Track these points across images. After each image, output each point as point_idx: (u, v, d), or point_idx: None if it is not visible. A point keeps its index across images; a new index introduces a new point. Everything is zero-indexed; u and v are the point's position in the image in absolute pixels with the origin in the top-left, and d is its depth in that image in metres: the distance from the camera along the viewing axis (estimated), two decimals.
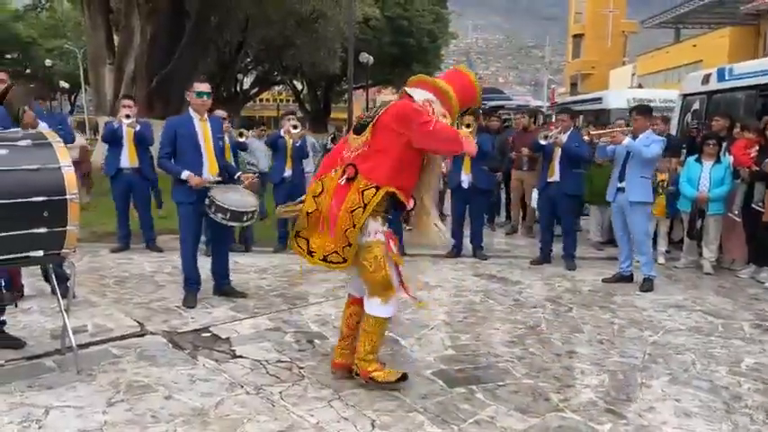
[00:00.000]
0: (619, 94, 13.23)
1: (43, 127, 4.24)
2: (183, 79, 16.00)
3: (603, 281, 5.88)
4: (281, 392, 3.30)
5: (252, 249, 7.00)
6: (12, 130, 3.40)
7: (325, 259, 3.26)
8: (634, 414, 3.17)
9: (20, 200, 3.02)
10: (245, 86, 32.93)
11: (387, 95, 43.42)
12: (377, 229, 3.22)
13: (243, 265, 6.17)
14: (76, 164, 10.36)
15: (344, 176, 3.18)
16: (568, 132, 6.46)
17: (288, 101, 41.09)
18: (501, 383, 3.49)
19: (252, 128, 9.68)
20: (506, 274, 6.16)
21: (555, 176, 6.46)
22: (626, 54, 40.33)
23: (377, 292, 3.27)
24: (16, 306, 4.31)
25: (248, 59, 28.36)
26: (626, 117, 7.47)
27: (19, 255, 3.14)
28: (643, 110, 5.89)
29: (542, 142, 6.40)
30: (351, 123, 13.30)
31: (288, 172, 6.95)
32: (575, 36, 47.30)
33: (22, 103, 4.23)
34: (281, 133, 6.92)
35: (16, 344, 3.77)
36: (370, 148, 3.18)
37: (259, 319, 4.58)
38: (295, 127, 6.83)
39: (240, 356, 3.82)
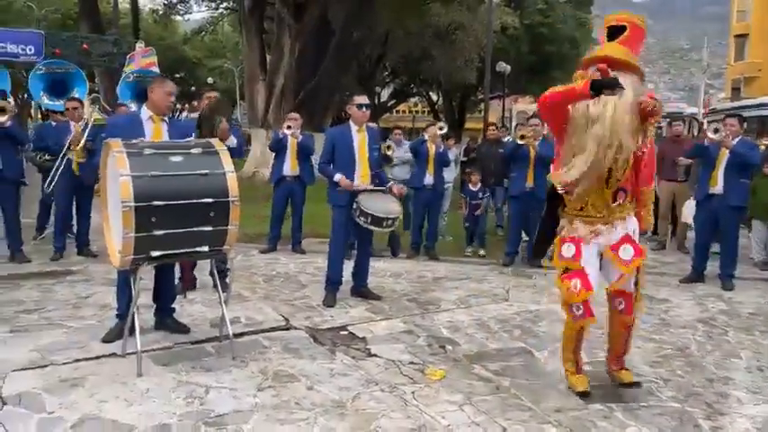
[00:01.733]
0: None
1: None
2: (327, 93, 16.99)
3: None
4: (413, 392, 3.40)
5: (399, 255, 7.21)
6: (187, 139, 3.87)
7: None
8: None
9: (193, 200, 3.43)
10: (383, 99, 33.98)
11: (524, 105, 42.46)
12: (566, 229, 3.36)
13: (378, 270, 6.40)
14: None
15: None
16: (737, 139, 5.92)
17: (423, 112, 41.69)
18: (644, 404, 3.30)
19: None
20: (652, 291, 5.77)
21: (718, 187, 5.92)
22: None
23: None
24: (185, 297, 4.87)
25: (386, 72, 29.27)
26: None
27: (189, 249, 3.55)
28: None
29: (712, 136, 5.89)
30: (486, 134, 13.18)
31: (429, 179, 7.10)
32: (738, 36, 42.96)
33: (222, 114, 4.87)
34: (425, 138, 7.10)
35: (184, 329, 4.26)
36: None
37: (393, 322, 4.73)
38: (441, 128, 7.01)
39: (375, 355, 3.98)
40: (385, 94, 34.38)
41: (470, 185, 7.78)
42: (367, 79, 26.02)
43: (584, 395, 3.35)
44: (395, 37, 22.35)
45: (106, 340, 4.00)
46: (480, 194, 7.71)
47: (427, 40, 21.94)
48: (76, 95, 7.48)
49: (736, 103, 17.47)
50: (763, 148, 5.87)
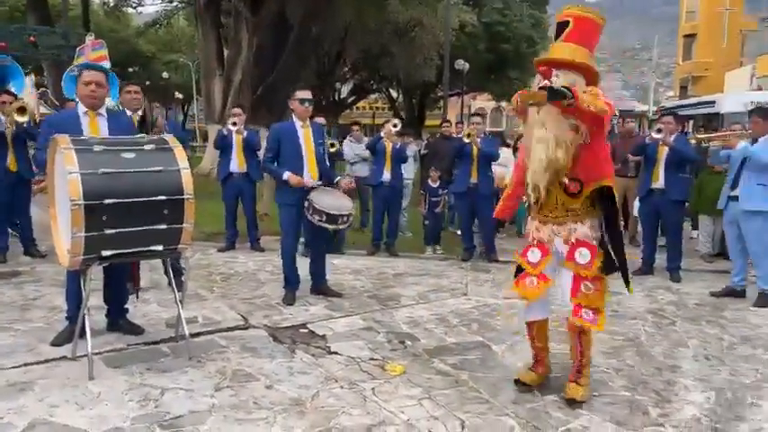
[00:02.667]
0: (735, 97, 12.31)
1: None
2: (286, 88, 16.79)
3: (712, 294, 5.54)
4: (373, 389, 3.41)
5: (343, 252, 7.15)
6: (138, 135, 3.76)
7: None
8: None
9: (146, 198, 3.34)
10: (343, 95, 33.85)
11: (482, 101, 42.95)
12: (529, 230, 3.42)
13: (338, 267, 6.39)
14: None
15: None
16: (674, 136, 6.17)
17: (383, 109, 41.73)
18: (596, 394, 3.39)
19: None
20: None
21: (659, 182, 6.16)
22: (743, 54, 37.39)
23: None
24: (137, 297, 4.74)
25: (346, 69, 29.15)
26: (743, 121, 7.02)
27: (143, 248, 3.47)
28: (764, 112, 5.48)
29: (656, 136, 6.11)
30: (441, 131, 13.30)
31: (387, 175, 7.12)
32: (686, 36, 44.45)
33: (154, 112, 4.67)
34: (382, 135, 7.13)
35: (138, 330, 4.15)
36: None
37: (353, 319, 4.73)
38: (395, 125, 7.03)
39: (335, 353, 3.97)
40: (345, 90, 34.25)
41: (430, 182, 7.79)
42: (326, 75, 25.87)
43: (517, 382, 3.46)
44: (354, 33, 22.27)
45: (56, 343, 3.87)
46: (440, 191, 7.71)
47: (386, 36, 21.94)
48: (12, 89, 7.18)
49: (684, 102, 18.08)
50: (694, 142, 6.12)
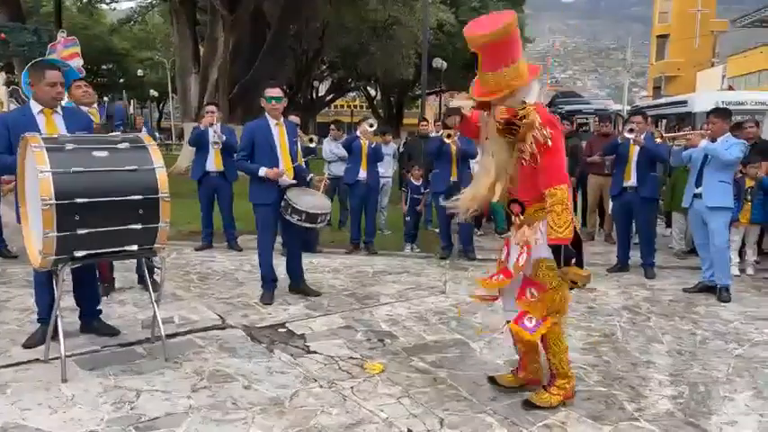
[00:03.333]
0: (707, 96, 12.56)
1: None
2: (263, 87, 16.70)
3: (685, 290, 5.64)
4: (352, 387, 3.41)
5: (318, 251, 7.09)
6: (113, 134, 3.70)
7: None
8: (715, 427, 3.04)
9: (119, 198, 3.28)
10: (321, 93, 33.74)
11: (459, 100, 43.12)
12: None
13: (316, 265, 6.36)
14: None
15: None
16: (644, 134, 6.26)
17: (361, 107, 41.73)
18: None
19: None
20: None
21: (631, 180, 6.25)
22: (715, 55, 38.17)
23: None
24: (107, 296, 4.66)
25: (324, 67, 29.08)
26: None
27: (117, 248, 3.41)
28: (721, 112, 5.60)
29: (628, 135, 6.19)
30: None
31: (362, 174, 7.10)
32: (659, 36, 45.30)
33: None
34: (358, 134, 7.10)
35: (112, 331, 4.08)
36: None
37: (332, 317, 4.71)
38: (371, 125, 7.00)
39: (314, 352, 3.96)
40: (323, 88, 34.16)
41: (413, 180, 7.76)
42: (304, 73, 25.76)
43: (491, 380, 3.46)
44: (332, 31, 22.23)
45: (28, 345, 3.79)
46: (422, 189, 7.68)
47: (364, 35, 21.96)
48: None
49: (657, 101, 18.40)
50: (659, 140, 6.23)
